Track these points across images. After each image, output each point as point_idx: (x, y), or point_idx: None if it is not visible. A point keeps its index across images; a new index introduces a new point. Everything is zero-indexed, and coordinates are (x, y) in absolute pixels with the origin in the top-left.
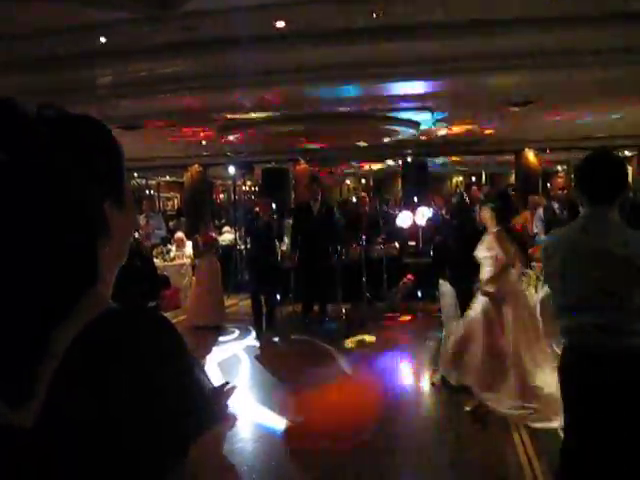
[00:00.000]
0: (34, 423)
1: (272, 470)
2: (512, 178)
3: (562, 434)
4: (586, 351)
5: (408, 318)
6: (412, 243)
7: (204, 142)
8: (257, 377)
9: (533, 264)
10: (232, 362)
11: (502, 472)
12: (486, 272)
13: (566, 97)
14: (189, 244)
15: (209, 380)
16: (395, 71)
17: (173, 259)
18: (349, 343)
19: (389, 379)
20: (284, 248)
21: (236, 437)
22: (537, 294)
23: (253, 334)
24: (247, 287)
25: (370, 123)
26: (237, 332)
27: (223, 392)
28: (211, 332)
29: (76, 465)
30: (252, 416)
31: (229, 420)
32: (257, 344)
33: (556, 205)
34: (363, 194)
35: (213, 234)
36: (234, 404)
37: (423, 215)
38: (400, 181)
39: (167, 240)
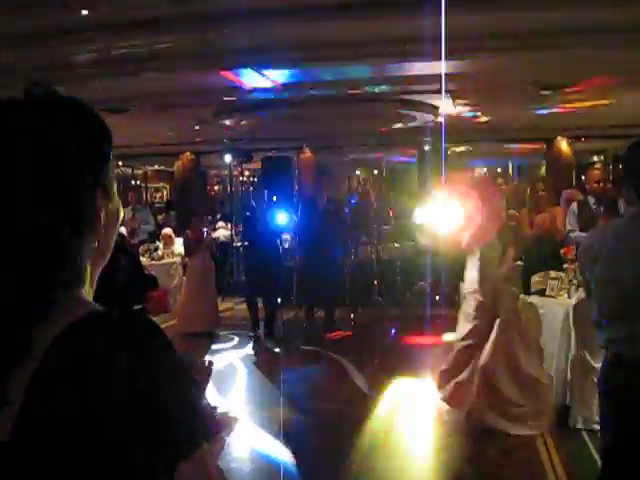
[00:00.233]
0: (10, 430)
1: None
2: (542, 170)
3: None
4: (637, 363)
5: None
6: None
7: (197, 127)
8: (254, 391)
9: (565, 266)
10: (227, 374)
11: None
12: (471, 275)
13: (603, 79)
14: (178, 241)
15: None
16: (409, 49)
17: (161, 257)
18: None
19: (406, 400)
20: (286, 246)
21: (231, 456)
22: (570, 299)
23: (250, 342)
24: (244, 289)
25: (382, 107)
26: (233, 340)
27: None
28: (203, 339)
29: (56, 471)
30: (249, 434)
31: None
32: (254, 353)
33: (592, 200)
34: (366, 187)
35: (206, 230)
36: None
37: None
38: (417, 172)
39: (155, 236)
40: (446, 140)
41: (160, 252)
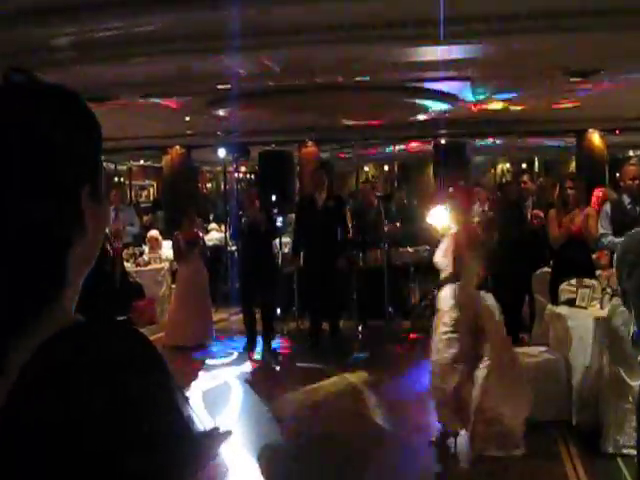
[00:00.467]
0: None
1: None
2: (572, 165)
3: None
4: None
5: None
6: None
7: (188, 118)
8: (251, 412)
9: (598, 273)
10: (221, 392)
11: None
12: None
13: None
14: (166, 245)
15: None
16: (424, 32)
17: (147, 263)
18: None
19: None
20: (286, 250)
21: None
22: (603, 310)
23: (247, 358)
24: (239, 298)
25: (394, 96)
26: (227, 355)
27: (212, 437)
28: (195, 354)
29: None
30: (243, 461)
31: (217, 469)
32: (251, 371)
33: (627, 200)
34: (366, 184)
35: (199, 232)
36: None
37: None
38: (432, 168)
39: (140, 239)
40: (465, 133)
41: (146, 257)
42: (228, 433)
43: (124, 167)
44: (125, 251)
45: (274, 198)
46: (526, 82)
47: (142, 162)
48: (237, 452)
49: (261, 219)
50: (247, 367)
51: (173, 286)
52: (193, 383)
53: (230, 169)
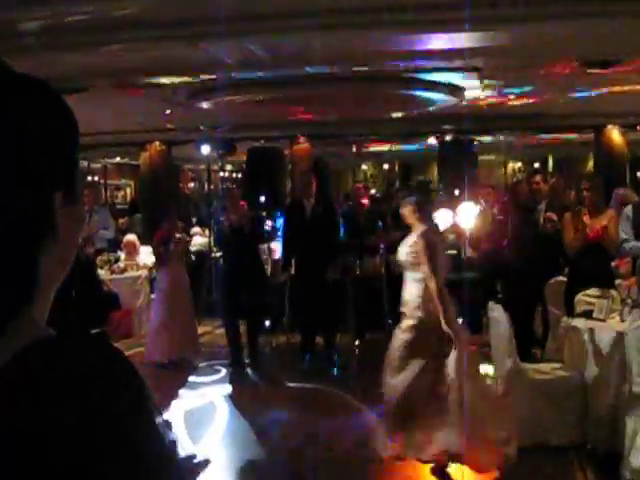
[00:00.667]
0: None
1: None
2: (590, 164)
3: None
4: None
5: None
6: (452, 252)
7: (169, 111)
8: (236, 434)
9: (618, 282)
10: (205, 412)
11: None
12: (413, 289)
13: None
14: (145, 250)
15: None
16: (427, 17)
17: (124, 270)
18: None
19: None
20: (276, 257)
21: None
22: (624, 323)
23: (232, 376)
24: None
25: (393, 88)
26: (212, 372)
27: (190, 467)
28: (177, 371)
29: None
30: None
31: None
32: (236, 390)
33: None
34: (358, 185)
35: (177, 232)
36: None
37: (468, 214)
38: (436, 167)
39: (116, 244)
40: (472, 129)
41: (122, 264)
42: (207, 462)
43: (98, 165)
44: (99, 257)
45: (263, 199)
46: (540, 73)
47: (118, 159)
48: (221, 476)
49: (245, 223)
50: (233, 385)
51: (153, 296)
52: (175, 402)
53: (215, 167)
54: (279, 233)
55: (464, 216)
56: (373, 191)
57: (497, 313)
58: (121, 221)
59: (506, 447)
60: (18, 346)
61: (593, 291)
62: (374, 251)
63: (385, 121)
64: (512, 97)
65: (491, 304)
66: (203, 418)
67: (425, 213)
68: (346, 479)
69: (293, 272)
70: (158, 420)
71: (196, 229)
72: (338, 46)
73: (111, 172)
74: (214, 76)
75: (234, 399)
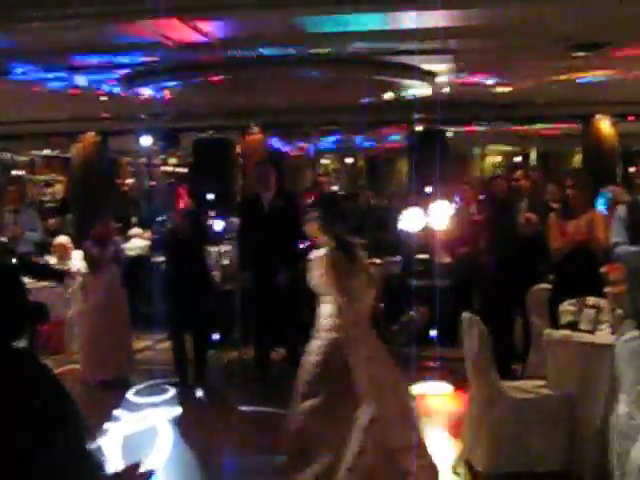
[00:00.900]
0: None
1: None
2: (577, 159)
3: None
4: None
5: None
6: (423, 257)
7: (104, 97)
8: (180, 465)
9: (607, 290)
10: (146, 438)
11: None
12: (323, 309)
13: None
14: (77, 255)
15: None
16: None
17: None
18: None
19: None
20: (226, 261)
21: None
22: (614, 336)
23: (176, 396)
24: (166, 321)
25: (356, 72)
26: (155, 391)
27: (133, 477)
28: (115, 391)
29: None
30: None
31: None
32: (181, 411)
33: None
34: (322, 178)
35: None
36: None
37: (441, 214)
38: (406, 161)
39: (44, 247)
40: (446, 119)
41: None
42: (151, 472)
43: (24, 158)
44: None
45: (211, 197)
46: (521, 57)
47: (47, 152)
48: None
49: (186, 224)
50: (177, 408)
51: (84, 306)
52: (113, 426)
53: (157, 161)
54: (229, 235)
55: (436, 216)
56: (335, 188)
57: (472, 324)
58: (51, 221)
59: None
60: None
61: (580, 300)
62: None
63: (349, 109)
64: (490, 84)
65: (466, 314)
66: (144, 444)
67: (330, 228)
68: None
69: (248, 276)
70: (88, 446)
71: (135, 230)
72: (296, 25)
73: (39, 166)
74: (155, 58)
75: (179, 423)
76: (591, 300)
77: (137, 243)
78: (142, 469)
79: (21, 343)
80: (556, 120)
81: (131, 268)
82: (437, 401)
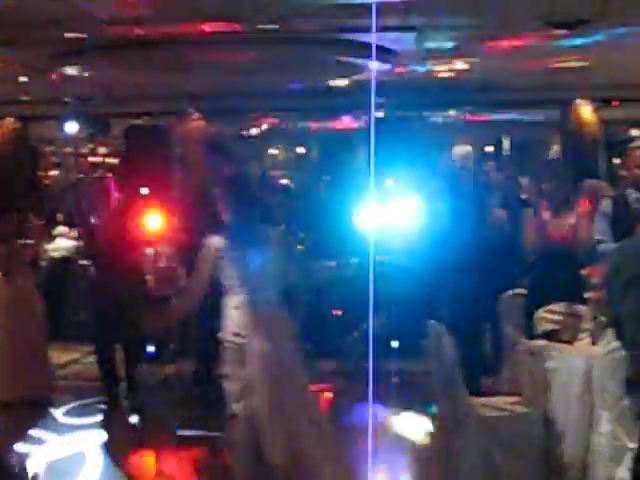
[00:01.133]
0: None
1: None
2: (555, 149)
3: None
4: None
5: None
6: (383, 258)
7: (24, 78)
8: None
9: (589, 294)
10: (73, 464)
11: None
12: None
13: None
14: None
15: None
16: None
17: None
18: None
19: None
20: (161, 264)
21: None
22: (596, 347)
23: (105, 417)
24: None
25: (306, 50)
26: (83, 412)
27: None
28: (33, 412)
29: None
30: None
31: None
32: (112, 434)
33: (633, 194)
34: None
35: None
36: None
37: (404, 210)
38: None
39: None
40: (408, 104)
41: None
42: None
43: None
44: None
45: (145, 191)
46: (494, 34)
47: None
48: None
49: (121, 222)
50: (107, 430)
51: None
52: (35, 451)
53: (84, 150)
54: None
55: (400, 213)
56: (285, 181)
57: (438, 334)
58: None
59: None
60: None
61: (558, 306)
62: None
63: (300, 94)
64: (459, 65)
65: (431, 323)
66: (71, 472)
67: None
68: None
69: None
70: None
71: (61, 229)
72: None
73: None
74: (82, 35)
75: (109, 448)
76: (571, 307)
77: (62, 243)
78: None
79: None
80: (532, 106)
81: (55, 271)
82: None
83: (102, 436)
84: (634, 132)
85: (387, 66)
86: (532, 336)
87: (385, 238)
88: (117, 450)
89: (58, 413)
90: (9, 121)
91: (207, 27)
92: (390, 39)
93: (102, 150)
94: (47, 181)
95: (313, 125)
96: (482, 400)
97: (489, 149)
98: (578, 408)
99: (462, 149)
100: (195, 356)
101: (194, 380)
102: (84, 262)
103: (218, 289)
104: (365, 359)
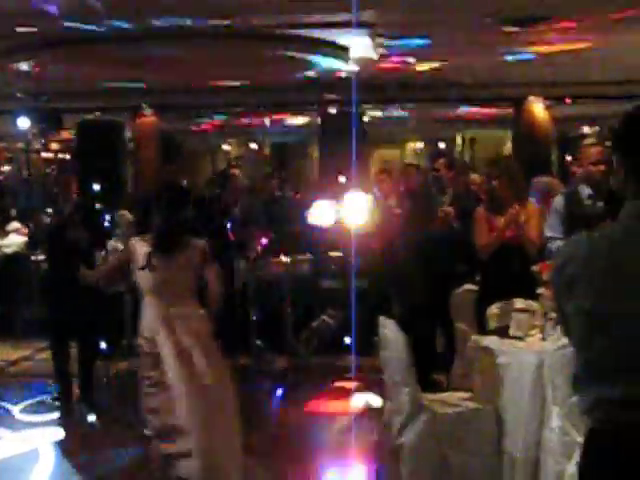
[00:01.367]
0: None
1: None
2: (508, 146)
3: None
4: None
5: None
6: (336, 254)
7: None
8: None
9: (541, 291)
10: (26, 462)
11: None
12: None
13: (599, 10)
14: None
15: None
16: None
17: None
18: None
19: None
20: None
21: None
22: (547, 343)
23: (59, 414)
24: (47, 329)
25: (257, 47)
26: (36, 409)
27: None
28: None
29: None
30: None
31: None
32: (66, 431)
33: (586, 191)
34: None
35: None
36: None
37: (356, 206)
38: (317, 148)
39: None
40: (362, 100)
41: None
42: None
43: None
44: None
45: (98, 187)
46: (446, 32)
47: None
48: None
49: (78, 218)
50: (60, 427)
51: None
52: None
53: (36, 146)
54: (120, 230)
55: (351, 209)
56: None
57: (390, 331)
58: None
59: None
60: None
61: (509, 303)
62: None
63: (253, 90)
64: (412, 61)
65: (382, 320)
66: (25, 469)
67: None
68: None
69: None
70: None
71: (14, 225)
72: None
73: None
74: (34, 29)
75: (63, 445)
76: (522, 303)
77: (15, 239)
78: None
79: None
80: (485, 103)
81: (7, 267)
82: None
83: (55, 433)
84: (585, 129)
85: (339, 62)
86: (484, 332)
87: (338, 234)
88: (70, 447)
89: (15, 410)
90: None
91: (160, 22)
92: (344, 35)
93: (54, 146)
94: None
95: (266, 121)
96: (434, 396)
97: (442, 145)
98: (529, 404)
99: (414, 145)
100: None
101: None
102: (37, 258)
103: None
104: (319, 355)
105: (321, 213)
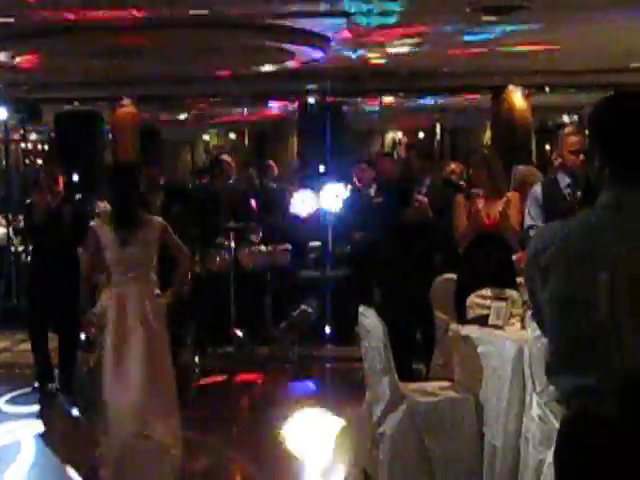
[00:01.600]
0: None
1: None
2: (487, 135)
3: None
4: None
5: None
6: (315, 244)
7: None
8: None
9: (520, 280)
10: (9, 453)
11: None
12: None
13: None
14: None
15: None
16: None
17: None
18: None
19: None
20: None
21: None
22: (526, 331)
23: (40, 404)
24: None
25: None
26: (17, 401)
27: None
28: None
29: None
30: None
31: None
32: (46, 423)
33: (566, 179)
34: (225, 157)
35: None
36: None
37: (336, 196)
38: (296, 138)
39: None
40: (341, 90)
41: None
42: None
43: None
44: None
45: (76, 178)
46: (424, 20)
47: None
48: None
49: (67, 210)
50: (40, 419)
51: None
52: None
53: (15, 137)
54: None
55: (331, 199)
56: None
57: (370, 320)
58: None
59: None
60: None
61: (489, 291)
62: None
63: (232, 80)
64: (391, 51)
65: (362, 309)
66: (7, 459)
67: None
68: None
69: None
70: None
71: None
72: None
73: None
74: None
75: (44, 437)
76: (502, 292)
77: None
78: None
79: None
80: (463, 92)
81: None
82: (328, 406)
83: (35, 425)
84: (565, 118)
85: (319, 52)
86: (464, 321)
87: (318, 224)
88: (50, 439)
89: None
90: None
91: (138, 12)
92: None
93: (33, 137)
94: None
95: (244, 111)
96: (414, 385)
97: (421, 135)
98: (509, 392)
99: (392, 135)
100: None
101: None
102: (16, 249)
103: None
104: (299, 344)
105: (300, 202)
